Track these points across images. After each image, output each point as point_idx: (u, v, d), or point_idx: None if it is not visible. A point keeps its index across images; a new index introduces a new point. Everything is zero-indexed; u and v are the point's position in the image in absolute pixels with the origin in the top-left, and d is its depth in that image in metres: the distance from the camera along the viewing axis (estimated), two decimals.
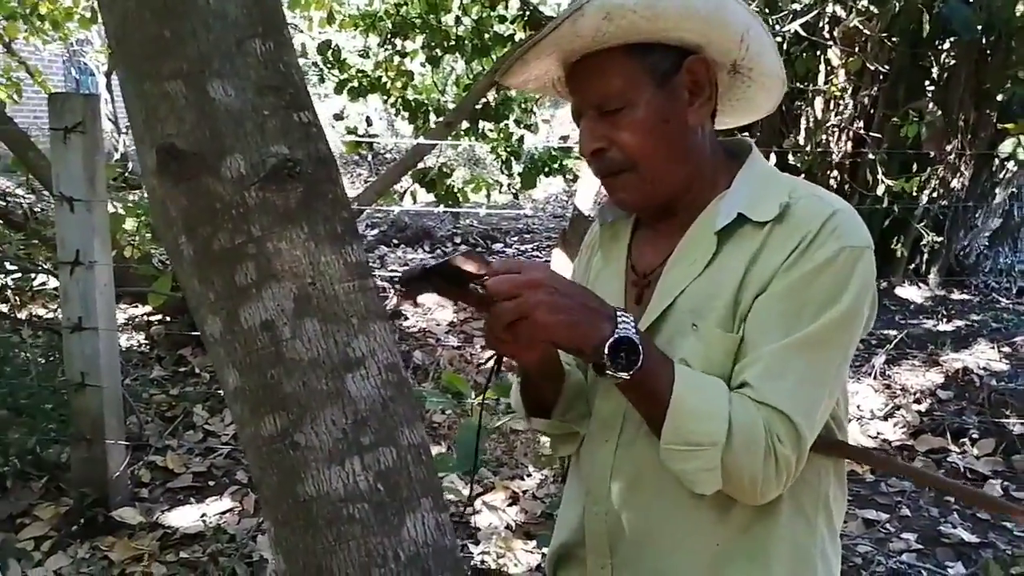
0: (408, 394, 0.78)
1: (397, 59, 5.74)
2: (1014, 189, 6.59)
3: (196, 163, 0.72)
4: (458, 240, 8.02)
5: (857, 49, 5.04)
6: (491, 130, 5.68)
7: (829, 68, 5.45)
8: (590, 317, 0.85)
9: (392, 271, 6.06)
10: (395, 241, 7.64)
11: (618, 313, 0.87)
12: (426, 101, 6.14)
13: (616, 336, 0.84)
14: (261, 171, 0.72)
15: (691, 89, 0.96)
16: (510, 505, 3.05)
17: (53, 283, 4.38)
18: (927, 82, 6.00)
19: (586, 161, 1.00)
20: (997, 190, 6.49)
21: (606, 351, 0.84)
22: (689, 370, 0.90)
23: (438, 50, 5.52)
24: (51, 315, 4.25)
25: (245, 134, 0.72)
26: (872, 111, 5.87)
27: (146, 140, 0.74)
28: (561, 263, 4.40)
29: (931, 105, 5.42)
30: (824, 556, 1.01)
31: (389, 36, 5.63)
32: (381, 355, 0.75)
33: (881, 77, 5.47)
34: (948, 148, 5.72)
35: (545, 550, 2.56)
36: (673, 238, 1.01)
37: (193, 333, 4.01)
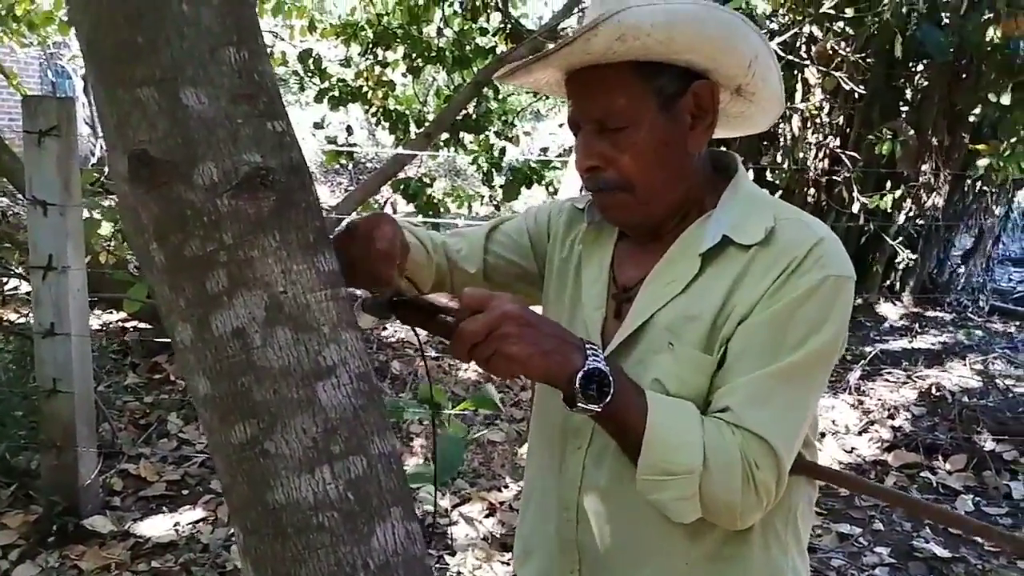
0: (379, 403, 0.78)
1: (378, 69, 5.75)
2: (991, 208, 6.71)
3: (168, 170, 0.71)
4: None
5: (833, 68, 5.12)
6: (471, 141, 5.70)
7: (806, 87, 5.53)
8: (560, 347, 0.86)
9: None
10: None
11: (587, 345, 0.87)
12: (407, 112, 6.15)
13: (587, 368, 0.84)
14: (233, 179, 0.72)
15: (694, 113, 0.95)
16: (487, 516, 3.04)
17: (25, 287, 4.32)
18: (901, 103, 6.10)
19: (580, 175, 0.99)
20: (974, 208, 6.62)
21: (577, 383, 0.84)
22: (662, 398, 0.90)
23: (419, 61, 5.55)
24: (23, 320, 4.19)
25: (218, 142, 0.72)
26: (848, 130, 5.96)
27: (118, 146, 0.74)
28: None
29: (905, 125, 5.51)
30: (795, 571, 1.02)
31: (370, 46, 5.64)
32: (352, 364, 0.75)
33: (857, 96, 5.56)
34: (922, 167, 5.81)
35: None
36: (655, 255, 1.00)
37: (168, 340, 3.96)
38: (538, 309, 1.19)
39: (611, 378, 0.85)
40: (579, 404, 0.85)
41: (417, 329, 0.96)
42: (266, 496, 0.72)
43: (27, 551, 2.57)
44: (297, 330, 0.73)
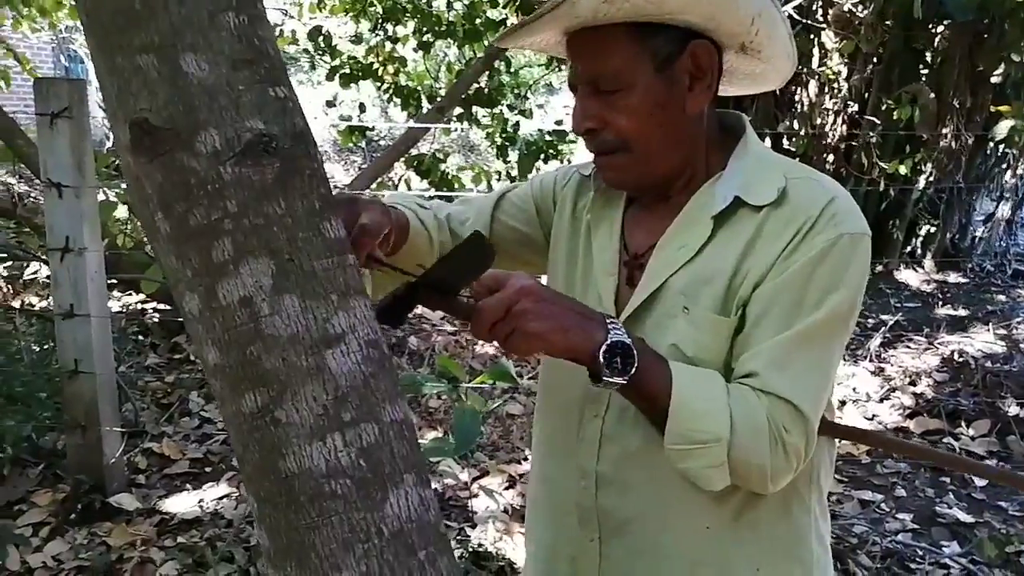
0: (390, 370, 0.77)
1: (388, 45, 5.70)
2: (1012, 172, 6.59)
3: (170, 138, 0.70)
4: None
5: (851, 32, 5.02)
6: (485, 116, 5.66)
7: (823, 51, 5.43)
8: (580, 323, 0.86)
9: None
10: None
11: (607, 319, 0.87)
12: (418, 87, 6.11)
13: (610, 341, 0.84)
14: (236, 146, 0.71)
15: (692, 74, 0.93)
16: (507, 488, 3.06)
17: (45, 271, 4.37)
18: (921, 65, 5.98)
19: (578, 136, 0.99)
20: (996, 171, 6.49)
21: (601, 357, 0.84)
22: (686, 368, 0.90)
23: (430, 35, 5.49)
24: (44, 303, 4.24)
25: (219, 108, 0.71)
26: (866, 94, 5.85)
27: (119, 115, 0.73)
28: None
29: (925, 88, 5.40)
30: (818, 532, 1.02)
31: (380, 21, 5.59)
32: (361, 331, 0.75)
33: (875, 60, 5.45)
34: (943, 131, 5.71)
35: None
36: (665, 219, 0.99)
37: None
38: (544, 278, 1.19)
39: (635, 350, 0.85)
40: (604, 378, 0.85)
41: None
42: (278, 464, 0.72)
43: (56, 528, 2.62)
44: (305, 298, 0.72)
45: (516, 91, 6.11)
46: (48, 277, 4.21)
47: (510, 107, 5.87)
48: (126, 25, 0.70)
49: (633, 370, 0.85)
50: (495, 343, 0.87)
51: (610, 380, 0.85)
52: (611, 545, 1.02)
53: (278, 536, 0.74)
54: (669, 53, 0.91)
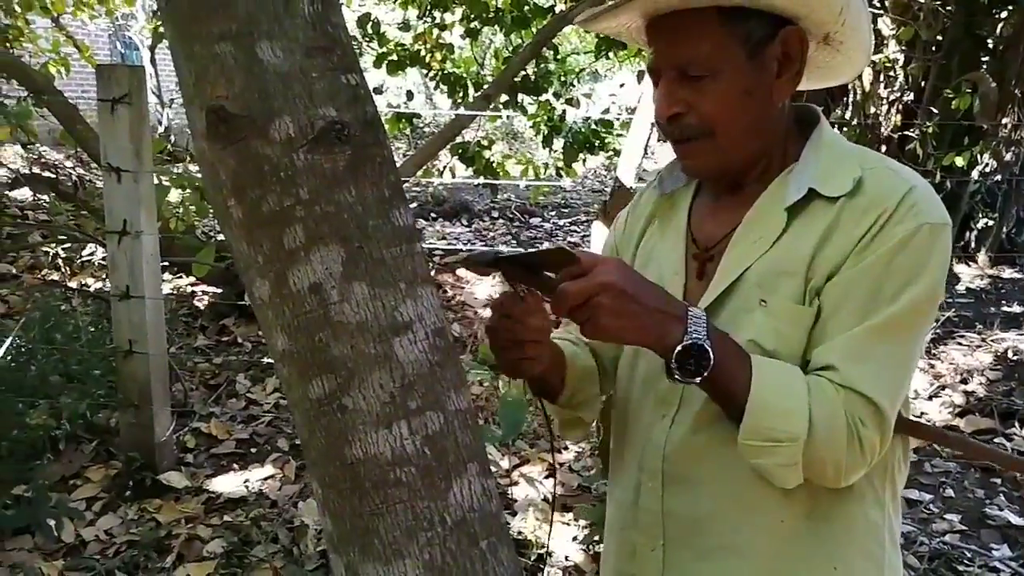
0: (455, 359, 0.77)
1: (436, 32, 5.70)
2: None
3: (245, 125, 0.71)
4: (495, 214, 8.01)
5: (910, 17, 4.87)
6: (531, 103, 5.63)
7: (880, 38, 5.28)
8: (658, 320, 0.85)
9: (430, 244, 6.08)
10: (433, 215, 7.67)
11: (690, 313, 0.86)
12: (465, 75, 6.11)
13: (685, 343, 0.84)
14: (309, 133, 0.72)
15: (781, 61, 0.91)
16: (547, 477, 3.06)
17: (101, 253, 4.48)
18: (982, 53, 5.79)
19: (658, 123, 0.97)
20: None
21: (674, 359, 0.84)
22: (768, 362, 0.88)
23: (477, 22, 5.47)
24: (100, 284, 4.35)
25: (293, 96, 0.72)
26: (923, 83, 5.69)
27: (195, 102, 0.74)
28: (601, 236, 4.36)
29: (986, 76, 5.23)
30: (891, 529, 1.00)
31: (428, 8, 5.59)
32: (428, 320, 0.75)
33: (934, 47, 5.29)
34: (1003, 121, 5.52)
35: (582, 522, 2.57)
36: (737, 211, 0.98)
37: (236, 303, 4.08)
38: None
39: (711, 351, 0.84)
40: (676, 377, 0.85)
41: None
42: (344, 451, 0.73)
43: (108, 503, 2.70)
44: (374, 285, 0.73)
45: (563, 79, 6.08)
46: (104, 259, 4.32)
47: (556, 95, 5.84)
48: (204, 13, 0.71)
49: (707, 372, 0.84)
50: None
51: (681, 380, 0.85)
52: (675, 551, 1.00)
53: (342, 522, 0.75)
54: (759, 39, 0.89)
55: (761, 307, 0.92)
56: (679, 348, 0.84)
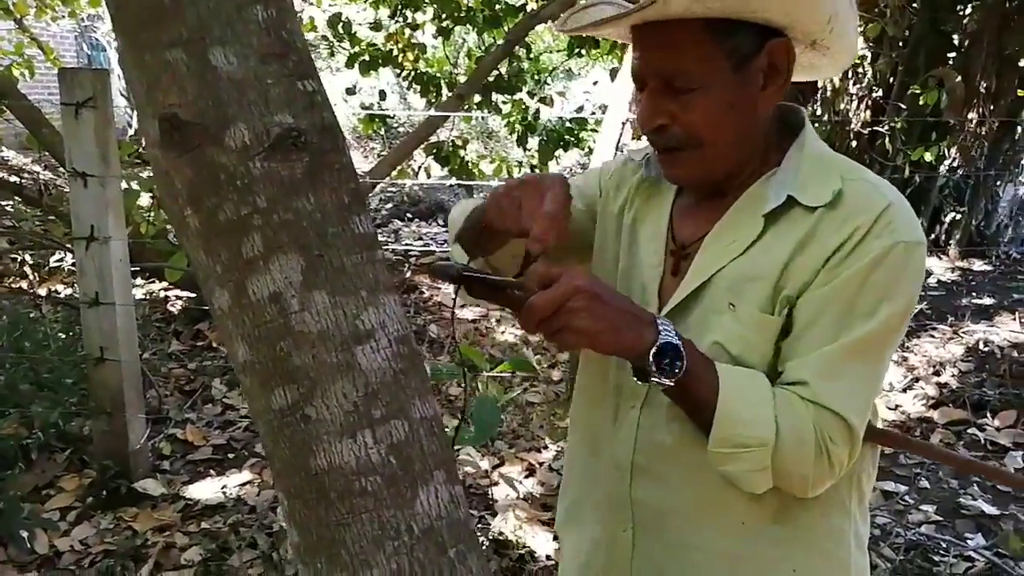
0: (419, 367, 0.77)
1: (408, 31, 5.68)
2: None
3: (199, 133, 0.70)
4: None
5: (877, 14, 4.93)
6: (505, 102, 5.63)
7: None
8: (631, 323, 0.85)
9: (406, 245, 6.05)
10: (408, 215, 7.64)
11: (658, 319, 0.87)
12: (438, 74, 6.09)
13: (660, 342, 0.84)
14: (265, 141, 0.70)
15: (767, 73, 0.90)
16: (527, 477, 3.06)
17: (70, 259, 4.42)
18: (948, 49, 5.87)
19: (643, 132, 0.96)
20: (1022, 158, 6.37)
21: (651, 358, 0.84)
22: (733, 370, 0.89)
23: (449, 21, 5.46)
24: (69, 291, 4.29)
25: (248, 103, 0.70)
26: (891, 79, 5.75)
27: (148, 111, 0.73)
28: None
29: (952, 72, 5.30)
30: (857, 534, 1.01)
31: (399, 8, 5.56)
32: (391, 327, 0.74)
33: (901, 43, 5.35)
34: (969, 116, 5.60)
35: None
36: (716, 212, 0.98)
37: (209, 308, 4.03)
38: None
39: (684, 352, 0.84)
40: (652, 378, 0.85)
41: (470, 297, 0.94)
42: (308, 461, 0.72)
43: (83, 513, 2.66)
44: (334, 294, 0.72)
45: (536, 78, 6.08)
46: (73, 265, 4.25)
47: (530, 94, 5.84)
48: (154, 20, 0.69)
49: (681, 372, 0.84)
50: (541, 336, 0.86)
51: (657, 380, 0.85)
52: (644, 537, 1.01)
53: (308, 532, 0.74)
54: (746, 52, 0.89)
55: (730, 310, 0.92)
56: (655, 348, 0.84)
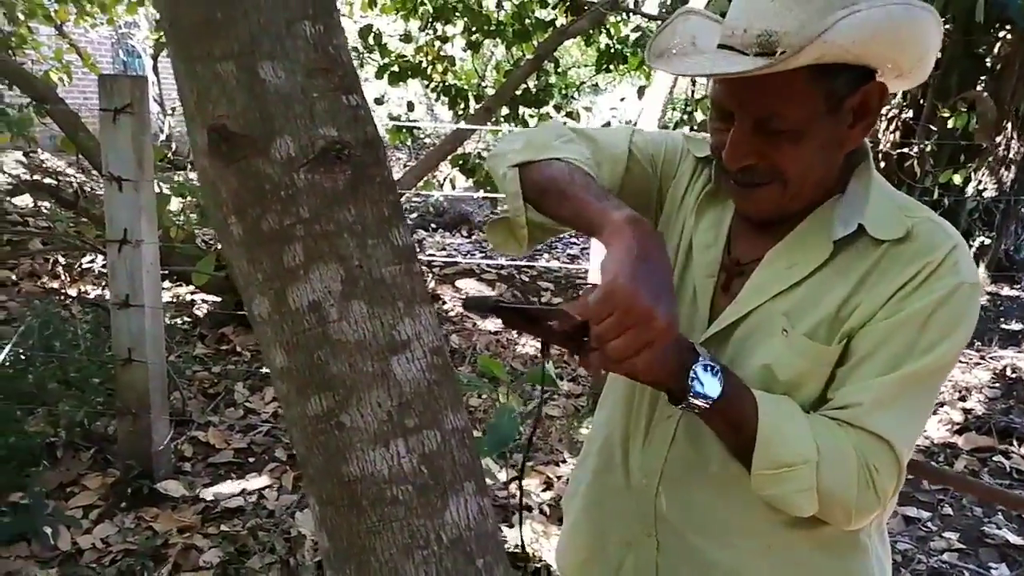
0: (452, 378, 0.78)
1: (438, 44, 5.74)
2: None
3: (246, 144, 0.72)
4: None
5: None
6: (531, 116, 5.66)
7: None
8: (676, 347, 0.85)
9: (430, 255, 6.08)
10: (433, 226, 7.68)
11: (696, 346, 0.87)
12: (466, 87, 6.14)
13: (699, 364, 0.84)
14: (310, 153, 0.72)
15: (857, 112, 0.88)
16: (544, 490, 3.06)
17: (101, 261, 4.49)
18: (980, 72, 5.82)
19: (720, 160, 0.93)
20: None
21: (689, 381, 0.84)
22: (768, 395, 0.89)
23: (479, 35, 5.51)
24: (99, 292, 4.36)
25: (295, 116, 0.72)
26: (922, 101, 5.71)
27: (197, 120, 0.75)
28: (600, 250, 4.36)
29: (984, 95, 5.25)
30: (878, 560, 1.00)
31: (430, 20, 5.62)
32: (426, 338, 0.76)
33: (933, 65, 5.32)
34: (999, 140, 5.54)
35: None
36: (774, 232, 0.96)
37: (235, 312, 4.08)
38: None
39: (722, 377, 0.85)
40: (689, 401, 0.85)
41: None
42: (341, 468, 0.73)
43: (105, 512, 2.69)
44: (372, 304, 0.73)
45: (563, 92, 6.10)
46: (104, 267, 4.33)
47: (557, 108, 5.87)
48: (207, 34, 0.71)
49: (718, 398, 0.84)
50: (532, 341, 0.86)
51: (688, 406, 0.85)
52: (666, 550, 1.01)
53: (339, 539, 0.75)
54: (843, 94, 0.87)
55: (783, 336, 0.92)
56: (693, 370, 0.84)
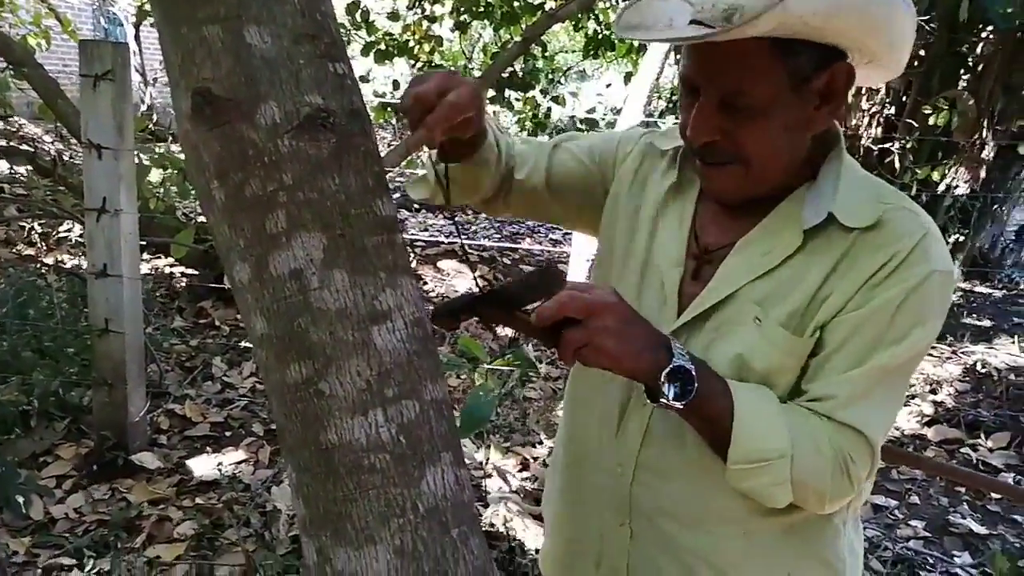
0: (432, 350, 0.78)
1: (425, 23, 5.69)
2: None
3: (231, 109, 0.71)
4: None
5: None
6: (518, 99, 5.64)
7: None
8: (650, 346, 0.85)
9: (412, 235, 6.06)
10: (416, 206, 7.64)
11: (674, 344, 0.87)
12: (452, 67, 6.10)
13: (672, 366, 0.84)
14: (295, 120, 0.72)
15: (824, 94, 0.88)
16: (520, 471, 3.08)
17: (78, 230, 4.43)
18: (962, 70, 5.86)
19: (687, 145, 0.94)
20: None
21: (662, 380, 0.84)
22: (744, 386, 0.89)
23: (467, 16, 5.47)
24: (75, 262, 4.30)
25: (280, 82, 0.72)
26: (904, 97, 5.75)
27: (181, 84, 0.74)
28: (583, 236, 4.37)
29: (965, 94, 5.30)
30: (849, 543, 1.02)
31: (418, 0, 5.57)
32: (408, 309, 0.76)
33: (916, 62, 5.35)
34: (978, 139, 5.60)
35: None
36: (745, 219, 0.96)
37: (214, 286, 4.05)
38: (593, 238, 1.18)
39: (695, 376, 0.85)
40: (661, 400, 0.85)
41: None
42: (319, 436, 0.74)
43: (78, 482, 2.68)
44: (354, 273, 0.73)
45: (550, 76, 6.09)
46: (80, 237, 4.27)
47: (543, 92, 5.85)
48: None
49: (692, 395, 0.85)
50: (555, 351, 0.86)
51: (668, 403, 0.85)
52: (639, 536, 1.02)
53: (315, 506, 0.75)
54: (808, 73, 0.86)
55: (755, 324, 0.92)
56: (667, 370, 0.83)
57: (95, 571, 2.26)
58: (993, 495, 3.23)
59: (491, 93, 5.34)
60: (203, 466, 2.87)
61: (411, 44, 5.69)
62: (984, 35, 5.66)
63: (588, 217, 1.17)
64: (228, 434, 3.14)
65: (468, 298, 0.89)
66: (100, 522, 2.49)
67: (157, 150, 4.15)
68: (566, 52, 9.01)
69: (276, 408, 0.77)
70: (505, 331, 4.49)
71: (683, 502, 0.98)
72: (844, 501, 0.92)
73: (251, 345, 0.78)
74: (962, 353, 4.66)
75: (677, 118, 1.13)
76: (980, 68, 5.75)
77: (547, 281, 0.86)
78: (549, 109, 5.81)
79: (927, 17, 5.11)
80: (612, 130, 1.20)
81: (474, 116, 0.95)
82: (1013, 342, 4.94)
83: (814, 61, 0.85)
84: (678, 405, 0.85)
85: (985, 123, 5.55)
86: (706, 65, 0.88)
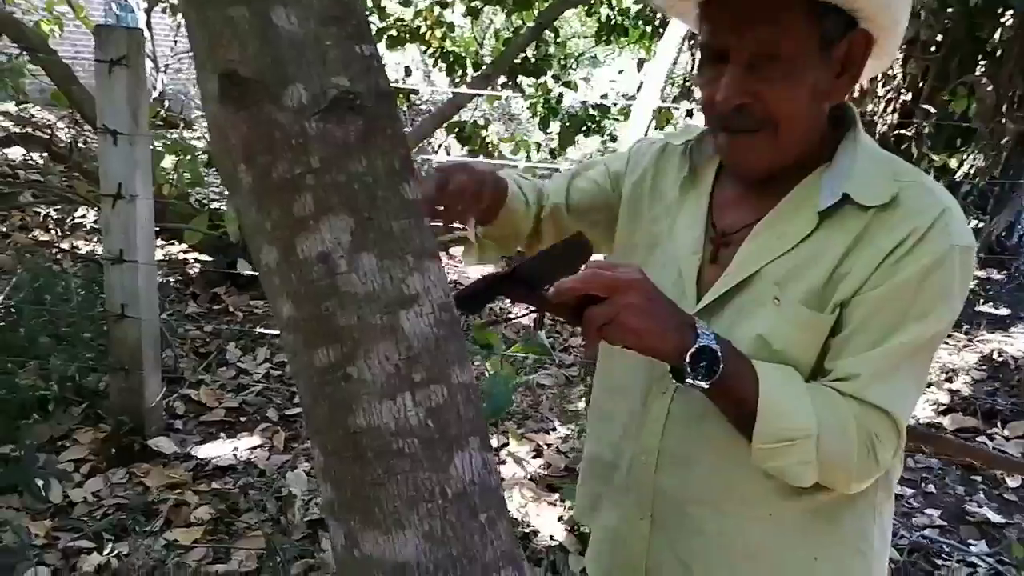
0: (459, 334, 0.78)
1: (437, 9, 5.66)
2: None
3: (258, 90, 0.71)
4: None
5: (911, 15, 4.86)
6: (530, 85, 5.61)
7: None
8: (676, 325, 0.84)
9: None
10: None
11: (698, 323, 0.86)
12: (464, 53, 6.07)
13: (698, 345, 0.83)
14: (322, 102, 0.71)
15: (844, 62, 0.89)
16: (534, 457, 3.08)
17: (92, 216, 4.45)
18: (981, 55, 5.79)
19: (712, 111, 0.92)
20: None
21: (688, 360, 0.84)
22: (769, 366, 0.89)
23: (479, 2, 5.43)
24: (90, 247, 4.32)
25: (307, 63, 0.71)
26: (921, 83, 5.68)
27: (207, 66, 0.73)
28: None
29: (984, 80, 5.23)
30: (881, 528, 1.01)
31: None
32: (435, 293, 0.75)
33: (933, 48, 5.29)
34: (994, 125, 5.53)
35: (569, 503, 2.59)
36: (762, 201, 0.96)
37: (228, 272, 4.06)
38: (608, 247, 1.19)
39: (721, 356, 0.84)
40: (687, 380, 0.85)
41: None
42: (347, 420, 0.73)
43: (96, 466, 2.70)
44: (382, 257, 0.73)
45: (562, 62, 6.05)
46: (95, 223, 4.29)
47: (555, 78, 5.82)
48: None
49: (717, 375, 0.84)
50: (581, 330, 0.85)
51: (692, 383, 0.85)
52: (663, 525, 1.02)
53: (343, 490, 0.75)
54: (833, 37, 0.87)
55: (774, 304, 0.92)
56: (693, 349, 0.83)
57: (114, 554, 2.28)
58: (1010, 483, 3.21)
59: (503, 78, 5.31)
60: (218, 451, 2.89)
61: (423, 30, 5.67)
62: (1003, 19, 5.58)
63: (606, 235, 1.19)
64: (243, 419, 3.16)
65: (491, 279, 0.89)
66: (118, 506, 2.51)
67: (170, 136, 4.16)
68: (578, 38, 8.96)
69: (303, 392, 0.77)
70: (522, 320, 4.49)
71: (707, 486, 0.98)
72: (870, 480, 0.91)
73: (266, 331, 0.78)
74: (978, 341, 4.63)
75: (691, 102, 1.14)
76: (999, 53, 5.67)
77: (571, 253, 0.86)
78: (561, 95, 5.77)
79: (946, 0, 5.05)
80: (626, 149, 1.22)
81: (491, 192, 1.06)
82: None
83: (840, 27, 0.87)
84: (704, 385, 0.85)
85: (1004, 109, 5.48)
86: (736, 28, 0.87)
